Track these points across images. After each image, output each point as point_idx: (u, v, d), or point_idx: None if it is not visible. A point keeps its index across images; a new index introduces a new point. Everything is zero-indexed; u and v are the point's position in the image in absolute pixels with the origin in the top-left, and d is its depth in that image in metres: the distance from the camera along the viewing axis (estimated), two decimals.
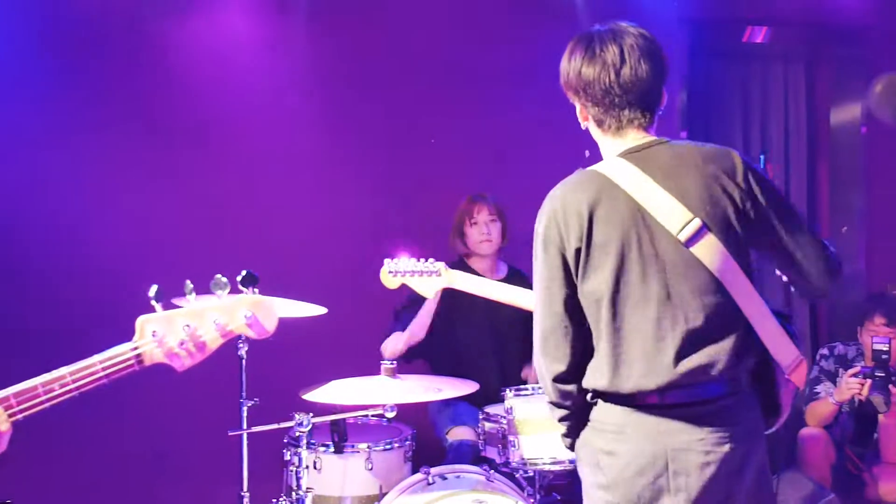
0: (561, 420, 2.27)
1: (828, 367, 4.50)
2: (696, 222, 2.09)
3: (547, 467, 3.31)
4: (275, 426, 3.36)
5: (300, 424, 3.25)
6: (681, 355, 2.10)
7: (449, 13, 4.82)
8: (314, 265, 4.50)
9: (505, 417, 3.40)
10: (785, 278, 2.31)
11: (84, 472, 4.29)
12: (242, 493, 3.49)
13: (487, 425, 3.55)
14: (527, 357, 4.23)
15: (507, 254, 4.28)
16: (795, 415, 5.13)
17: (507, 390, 3.40)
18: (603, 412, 2.19)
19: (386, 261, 3.17)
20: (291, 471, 3.36)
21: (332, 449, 3.45)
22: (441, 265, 3.11)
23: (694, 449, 2.11)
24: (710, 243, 2.10)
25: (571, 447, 2.31)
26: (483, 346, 4.13)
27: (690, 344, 2.10)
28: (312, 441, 3.44)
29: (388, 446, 3.57)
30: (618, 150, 2.22)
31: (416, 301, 4.04)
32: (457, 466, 3.48)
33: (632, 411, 2.14)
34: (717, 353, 2.11)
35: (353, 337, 4.16)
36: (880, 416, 4.10)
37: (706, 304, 2.11)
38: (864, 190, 5.44)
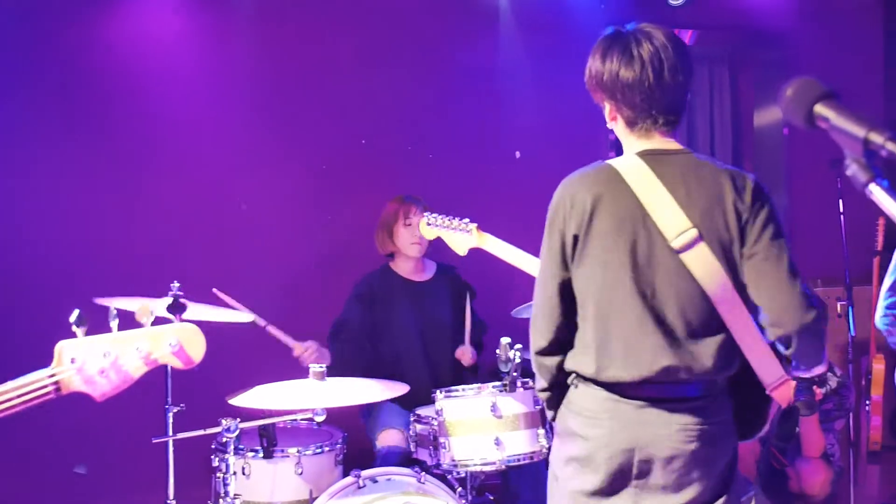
0: (541, 391, 2.37)
1: None
2: (693, 232, 2.13)
3: (478, 468, 3.32)
4: (201, 432, 3.29)
5: (227, 430, 3.18)
6: (659, 354, 2.16)
7: (384, 13, 4.79)
8: (241, 268, 4.44)
9: (436, 419, 3.39)
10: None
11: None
12: (168, 501, 3.42)
13: (418, 427, 3.54)
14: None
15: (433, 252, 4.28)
16: None
17: (438, 392, 3.39)
18: (580, 396, 2.26)
19: (425, 213, 3.26)
20: (219, 477, 3.30)
21: (261, 454, 3.40)
22: (474, 226, 3.12)
23: (661, 444, 2.17)
24: (703, 255, 2.14)
25: (553, 418, 2.39)
26: (414, 348, 4.11)
27: (669, 345, 2.16)
28: (241, 447, 3.38)
29: (318, 450, 3.53)
30: (638, 149, 2.24)
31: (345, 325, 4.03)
32: (388, 469, 3.45)
33: (608, 399, 2.21)
34: (692, 358, 2.17)
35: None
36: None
37: (688, 310, 2.16)
38: (786, 190, 5.58)
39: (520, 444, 3.30)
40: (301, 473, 3.47)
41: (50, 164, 4.34)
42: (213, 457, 3.45)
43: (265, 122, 4.64)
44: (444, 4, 4.93)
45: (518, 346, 3.19)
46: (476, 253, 3.16)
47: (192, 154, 4.55)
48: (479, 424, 3.30)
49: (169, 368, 3.40)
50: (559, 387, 2.32)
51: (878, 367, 4.85)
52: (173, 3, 4.54)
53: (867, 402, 4.82)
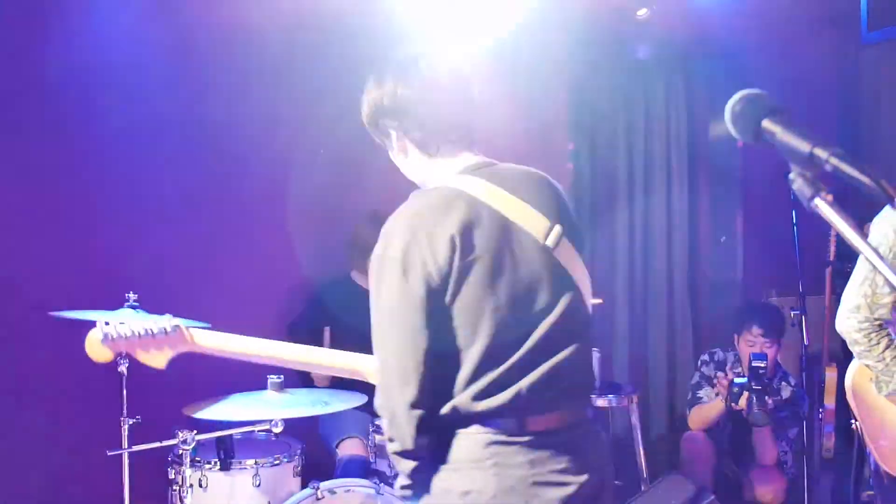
0: (413, 471, 2.03)
1: (708, 373, 4.65)
2: (558, 227, 2.07)
3: None
4: (157, 444, 3.26)
5: (184, 442, 3.17)
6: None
7: (341, 16, 4.78)
8: (195, 277, 4.39)
9: None
10: None
11: None
12: None
13: (378, 438, 3.54)
14: None
15: None
16: (678, 419, 5.29)
17: None
18: (460, 448, 2.02)
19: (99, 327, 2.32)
20: (175, 490, 3.28)
21: (218, 466, 3.38)
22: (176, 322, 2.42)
23: (553, 480, 2.00)
24: (569, 249, 2.10)
25: (418, 497, 2.07)
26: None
27: (546, 354, 2.03)
28: (197, 459, 3.35)
29: (276, 462, 3.52)
30: (455, 169, 2.12)
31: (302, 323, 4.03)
32: (347, 480, 3.45)
33: (492, 443, 1.99)
34: (581, 363, 2.13)
35: None
36: None
37: (573, 312, 2.08)
38: (741, 200, 5.66)
39: None
40: (259, 485, 3.45)
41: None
42: (169, 469, 3.42)
43: (214, 127, 4.58)
44: (399, 11, 4.91)
45: None
46: None
47: (150, 161, 4.49)
48: None
49: (124, 380, 3.36)
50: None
51: (831, 375, 4.93)
52: (134, 10, 4.48)
53: (820, 410, 4.89)
